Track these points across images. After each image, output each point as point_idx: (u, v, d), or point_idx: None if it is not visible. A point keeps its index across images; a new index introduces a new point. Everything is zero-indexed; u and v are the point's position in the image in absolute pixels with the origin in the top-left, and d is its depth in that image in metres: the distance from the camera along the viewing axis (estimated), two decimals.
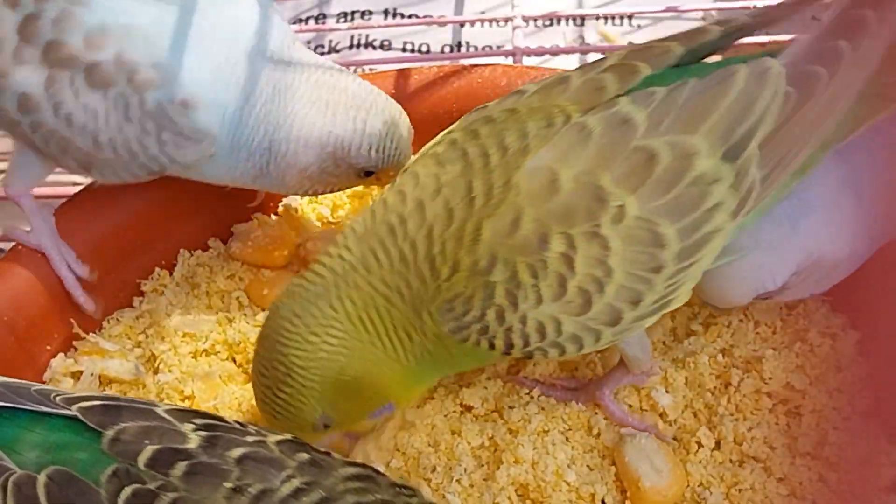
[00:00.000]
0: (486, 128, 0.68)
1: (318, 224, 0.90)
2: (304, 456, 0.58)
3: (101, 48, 0.72)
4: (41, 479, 0.56)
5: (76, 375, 0.81)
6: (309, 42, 1.17)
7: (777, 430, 0.77)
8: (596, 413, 0.78)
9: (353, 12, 1.20)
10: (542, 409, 0.77)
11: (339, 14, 1.21)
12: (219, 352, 0.83)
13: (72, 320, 0.82)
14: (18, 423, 0.59)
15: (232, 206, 0.89)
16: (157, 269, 0.87)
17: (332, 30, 1.18)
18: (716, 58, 0.72)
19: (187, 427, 0.59)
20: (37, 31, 0.72)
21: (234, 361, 0.83)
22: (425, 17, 1.18)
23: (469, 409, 0.78)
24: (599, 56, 0.75)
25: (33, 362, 0.81)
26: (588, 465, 0.76)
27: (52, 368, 0.81)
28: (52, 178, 0.86)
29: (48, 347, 0.82)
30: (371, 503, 0.56)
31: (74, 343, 0.83)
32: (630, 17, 1.17)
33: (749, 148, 0.65)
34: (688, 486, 0.75)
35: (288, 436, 0.61)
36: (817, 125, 0.67)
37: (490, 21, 1.18)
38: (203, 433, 0.58)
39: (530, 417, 0.76)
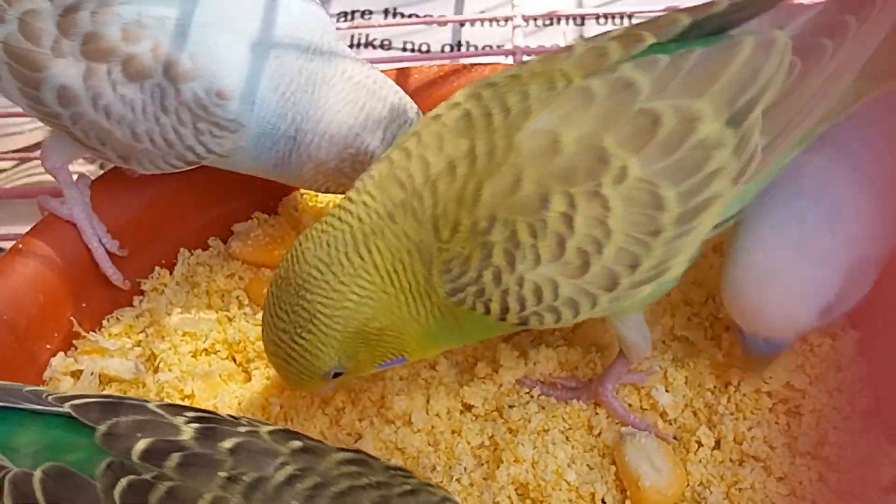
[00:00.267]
0: (489, 91, 0.68)
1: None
2: (297, 444, 0.59)
3: (138, 40, 0.73)
4: (37, 475, 0.56)
5: (76, 374, 0.81)
6: None
7: (777, 430, 0.77)
8: (597, 413, 0.78)
9: (353, 11, 1.20)
10: (542, 408, 0.77)
11: (339, 13, 1.21)
12: (219, 351, 0.83)
13: (72, 319, 0.82)
14: (12, 422, 0.60)
15: (232, 205, 0.89)
16: (157, 269, 0.87)
17: None
18: None
19: (179, 420, 0.59)
20: (75, 24, 0.73)
21: (234, 360, 0.83)
22: (425, 16, 1.19)
23: (469, 408, 0.78)
24: None
25: (33, 361, 0.81)
26: (588, 465, 0.76)
27: (52, 367, 0.81)
28: None
29: (48, 346, 0.82)
30: (366, 486, 0.57)
31: (74, 342, 0.83)
32: (630, 16, 1.17)
33: (753, 115, 0.66)
34: (688, 485, 0.75)
35: (280, 426, 0.62)
36: (821, 96, 0.67)
37: (490, 20, 1.18)
38: (196, 425, 0.59)
39: (530, 417, 0.76)
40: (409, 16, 1.20)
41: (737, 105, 0.66)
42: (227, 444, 0.57)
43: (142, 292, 0.87)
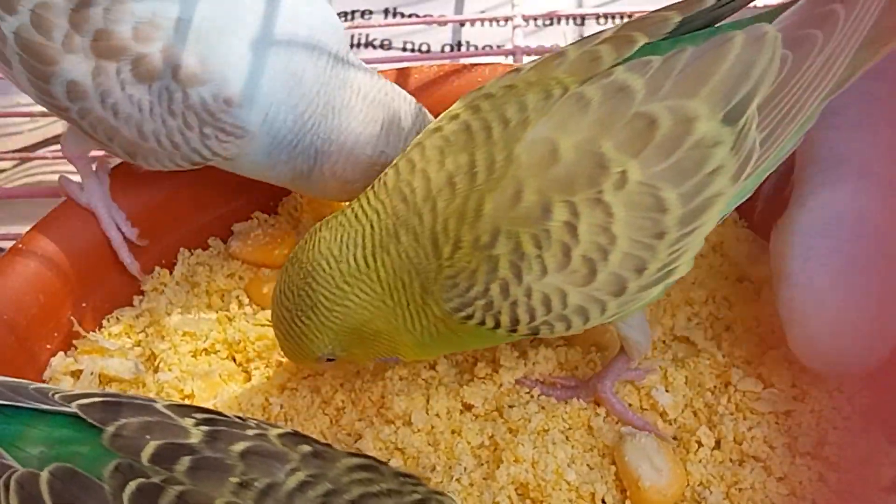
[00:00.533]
0: (487, 103, 0.68)
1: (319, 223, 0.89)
2: (307, 448, 0.58)
3: (150, 40, 0.73)
4: (44, 475, 0.56)
5: (76, 374, 0.81)
6: None
7: (777, 430, 0.77)
8: (597, 413, 0.78)
9: (353, 11, 1.20)
10: (542, 408, 0.77)
11: (339, 13, 1.20)
12: (219, 350, 0.83)
13: (72, 319, 0.82)
14: (18, 421, 0.59)
15: (232, 205, 0.89)
16: (157, 268, 0.87)
17: None
18: None
19: (188, 422, 0.59)
20: (88, 19, 0.73)
21: (234, 360, 0.83)
22: (425, 16, 1.18)
23: (469, 407, 0.78)
24: None
25: (33, 361, 0.81)
26: (588, 465, 0.76)
27: (53, 367, 0.81)
28: None
29: (48, 346, 0.82)
30: (377, 493, 0.56)
31: (74, 342, 0.83)
32: (630, 16, 1.16)
33: (748, 111, 0.66)
34: (688, 485, 0.75)
35: (289, 428, 0.61)
36: (814, 87, 0.68)
37: (490, 20, 1.18)
38: (204, 427, 0.59)
39: (530, 417, 0.76)
40: (409, 16, 1.20)
41: (732, 102, 0.66)
42: (238, 447, 0.57)
43: (142, 292, 0.87)
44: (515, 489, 0.74)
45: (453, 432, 0.77)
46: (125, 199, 0.85)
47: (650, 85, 0.66)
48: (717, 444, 0.76)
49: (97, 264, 0.84)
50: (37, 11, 0.73)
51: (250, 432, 0.59)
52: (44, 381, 0.81)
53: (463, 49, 1.17)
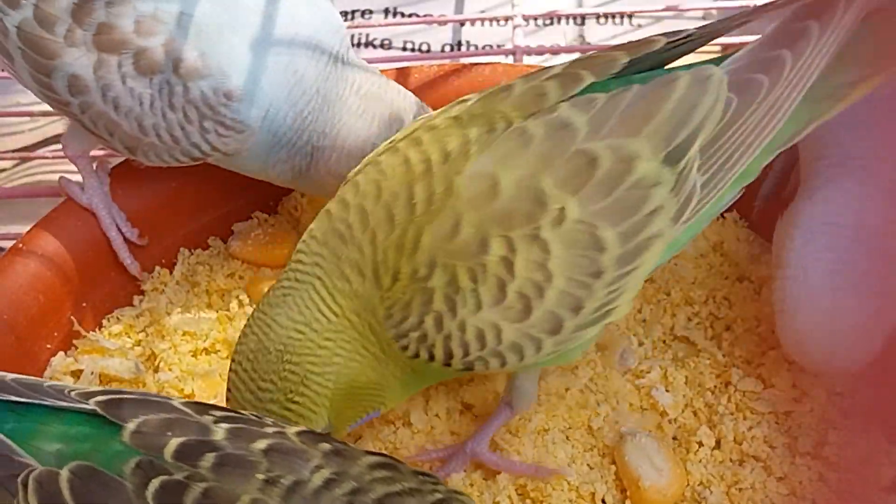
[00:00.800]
0: (429, 135, 0.68)
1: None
2: (327, 446, 0.58)
3: (151, 34, 0.73)
4: (64, 474, 0.55)
5: (76, 374, 0.81)
6: None
7: (777, 430, 0.77)
8: (597, 413, 0.78)
9: (353, 11, 1.20)
10: (542, 407, 0.77)
11: (339, 13, 1.20)
12: (219, 350, 0.83)
13: (72, 318, 0.82)
14: (34, 418, 0.58)
15: (232, 204, 0.89)
16: (158, 268, 0.87)
17: None
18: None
19: (207, 419, 0.58)
20: (90, 13, 0.73)
21: None
22: (425, 15, 1.18)
23: (469, 407, 0.78)
24: None
25: (33, 361, 0.80)
26: (588, 464, 0.76)
27: (53, 367, 0.81)
28: None
29: (48, 346, 0.82)
30: (400, 493, 0.56)
31: (75, 341, 0.83)
32: (630, 15, 1.17)
33: (690, 152, 0.65)
34: (688, 485, 0.75)
35: (303, 426, 0.61)
36: (759, 132, 0.67)
37: (490, 20, 1.17)
38: (225, 425, 0.58)
39: (530, 416, 0.76)
40: (410, 15, 1.20)
41: (673, 143, 0.65)
42: (260, 444, 0.56)
43: (142, 292, 0.87)
44: (515, 489, 0.74)
45: (453, 433, 0.77)
46: (125, 199, 0.85)
47: (593, 123, 0.65)
48: (718, 444, 0.77)
49: (97, 264, 0.84)
50: (40, 6, 0.74)
51: (269, 430, 0.58)
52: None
53: (463, 49, 1.17)
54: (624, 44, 0.71)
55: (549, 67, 0.70)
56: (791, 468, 0.75)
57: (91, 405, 0.58)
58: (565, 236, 0.64)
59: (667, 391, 0.78)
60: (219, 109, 0.75)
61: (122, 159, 0.87)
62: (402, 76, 0.90)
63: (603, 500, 0.75)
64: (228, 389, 0.68)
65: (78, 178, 0.84)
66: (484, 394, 0.78)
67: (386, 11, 1.20)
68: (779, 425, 0.77)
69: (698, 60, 0.70)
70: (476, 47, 1.17)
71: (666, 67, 0.70)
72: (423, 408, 0.78)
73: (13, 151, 1.08)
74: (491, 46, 1.16)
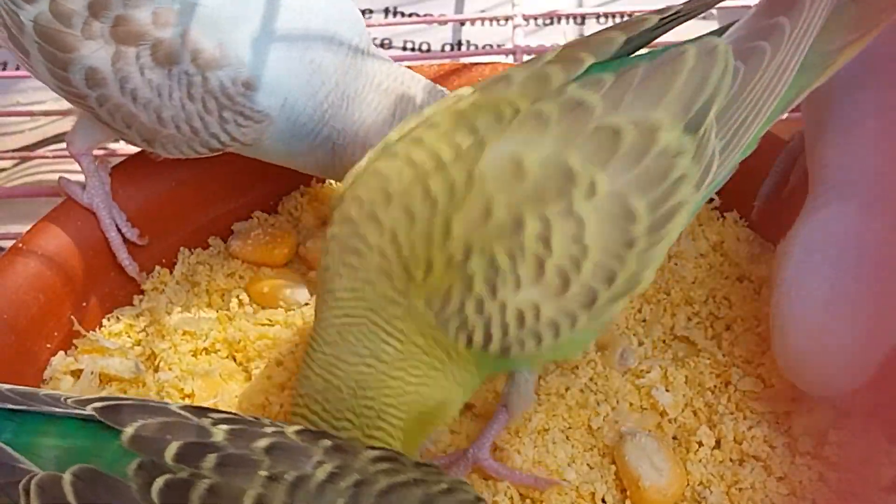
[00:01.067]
0: (431, 132, 0.68)
1: (319, 222, 0.90)
2: (327, 442, 0.58)
3: (169, 25, 0.74)
4: (66, 477, 0.55)
5: (76, 374, 0.81)
6: None
7: (777, 430, 0.77)
8: (597, 413, 0.78)
9: None
10: (542, 407, 0.77)
11: None
12: (219, 350, 0.83)
13: (72, 318, 0.82)
14: (33, 426, 0.58)
15: (232, 204, 0.89)
16: (158, 268, 0.87)
17: None
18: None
19: (206, 421, 0.58)
20: (107, 6, 0.73)
21: (234, 360, 0.83)
22: (425, 15, 1.18)
23: (469, 407, 0.78)
24: None
25: (34, 360, 0.80)
26: (588, 464, 0.76)
27: (53, 366, 0.81)
28: None
29: (48, 346, 0.82)
30: (405, 483, 0.56)
31: (75, 341, 0.83)
32: (630, 15, 1.17)
33: (707, 120, 0.67)
34: (688, 484, 0.75)
35: (303, 426, 0.61)
36: (766, 96, 0.69)
37: (490, 20, 1.18)
38: (224, 426, 0.58)
39: (530, 416, 0.76)
40: (410, 15, 1.20)
41: (691, 112, 0.67)
42: (261, 444, 0.57)
43: (142, 291, 0.87)
44: (516, 489, 0.74)
45: (453, 432, 0.77)
46: (125, 199, 0.85)
47: (607, 99, 0.66)
48: (718, 444, 0.77)
49: (97, 263, 0.84)
50: (56, 0, 0.73)
51: (269, 430, 0.58)
52: (44, 381, 0.81)
53: (463, 48, 1.17)
54: (618, 24, 0.72)
55: (541, 55, 0.71)
56: (791, 468, 0.75)
57: (88, 411, 0.58)
58: (599, 209, 0.65)
59: (667, 391, 0.78)
60: (237, 99, 0.75)
61: (122, 159, 0.87)
62: None
63: (603, 500, 0.75)
64: None
65: (77, 177, 0.84)
66: (484, 393, 0.78)
67: (386, 11, 1.20)
68: (779, 425, 0.77)
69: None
70: (476, 47, 1.17)
71: (661, 47, 0.71)
72: None
73: (13, 151, 1.08)
74: (491, 46, 1.17)
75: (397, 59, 1.11)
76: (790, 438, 0.76)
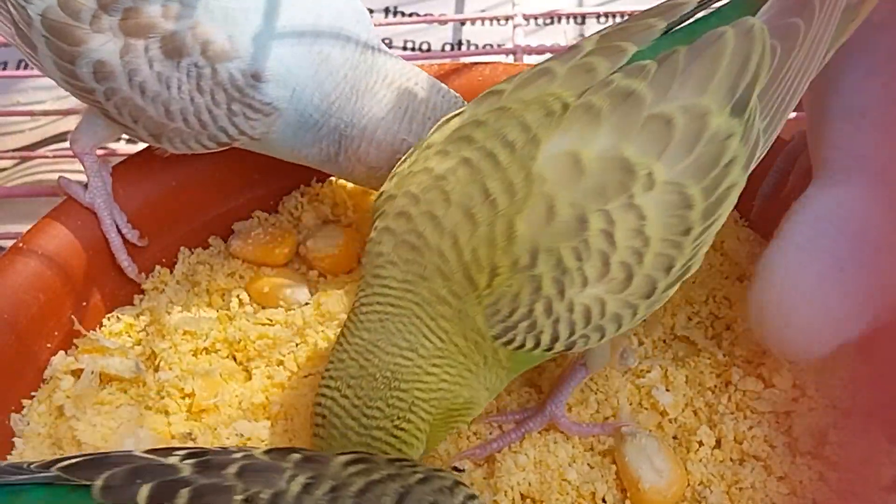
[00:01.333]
0: (480, 131, 0.68)
1: (319, 222, 0.90)
2: (297, 456, 0.58)
3: (179, 18, 0.74)
4: None
5: (76, 373, 0.81)
6: None
7: (777, 430, 0.77)
8: (598, 413, 0.78)
9: None
10: None
11: None
12: (219, 350, 0.83)
13: (72, 318, 0.82)
14: (2, 500, 0.57)
15: (232, 203, 0.89)
16: (158, 267, 0.87)
17: None
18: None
19: (172, 459, 0.58)
20: None
21: (235, 359, 0.83)
22: (426, 15, 1.19)
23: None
24: None
25: (34, 360, 0.81)
26: (588, 464, 0.76)
27: (53, 366, 0.81)
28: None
29: (48, 345, 0.82)
30: (381, 480, 0.56)
31: (75, 341, 0.83)
32: (630, 15, 1.17)
33: (751, 101, 0.68)
34: (688, 484, 0.75)
35: (272, 446, 0.61)
36: (804, 72, 0.70)
37: (491, 19, 1.18)
38: (191, 461, 0.58)
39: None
40: (410, 14, 1.20)
41: (736, 94, 0.67)
42: (232, 469, 0.57)
43: (142, 291, 0.87)
44: (516, 488, 0.74)
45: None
46: (126, 198, 0.84)
47: (655, 87, 0.66)
48: (718, 444, 0.77)
49: (97, 263, 0.84)
50: None
51: (236, 455, 0.58)
52: (44, 381, 0.81)
53: (463, 48, 1.17)
54: (654, 8, 0.72)
55: (578, 46, 0.71)
56: (791, 468, 0.75)
57: (53, 472, 0.58)
58: (657, 199, 0.66)
59: (667, 391, 0.78)
60: (247, 91, 0.75)
61: (122, 159, 0.87)
62: None
63: (603, 500, 0.75)
64: (323, 416, 0.68)
65: (77, 177, 0.84)
66: None
67: (386, 10, 1.20)
68: (779, 425, 0.77)
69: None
70: (476, 46, 1.17)
71: (693, 21, 0.72)
72: None
73: (13, 151, 1.08)
74: (491, 46, 1.17)
75: None
76: (790, 438, 0.76)
